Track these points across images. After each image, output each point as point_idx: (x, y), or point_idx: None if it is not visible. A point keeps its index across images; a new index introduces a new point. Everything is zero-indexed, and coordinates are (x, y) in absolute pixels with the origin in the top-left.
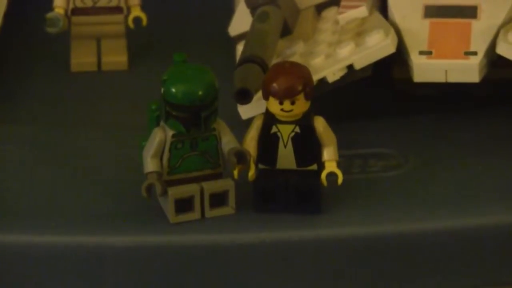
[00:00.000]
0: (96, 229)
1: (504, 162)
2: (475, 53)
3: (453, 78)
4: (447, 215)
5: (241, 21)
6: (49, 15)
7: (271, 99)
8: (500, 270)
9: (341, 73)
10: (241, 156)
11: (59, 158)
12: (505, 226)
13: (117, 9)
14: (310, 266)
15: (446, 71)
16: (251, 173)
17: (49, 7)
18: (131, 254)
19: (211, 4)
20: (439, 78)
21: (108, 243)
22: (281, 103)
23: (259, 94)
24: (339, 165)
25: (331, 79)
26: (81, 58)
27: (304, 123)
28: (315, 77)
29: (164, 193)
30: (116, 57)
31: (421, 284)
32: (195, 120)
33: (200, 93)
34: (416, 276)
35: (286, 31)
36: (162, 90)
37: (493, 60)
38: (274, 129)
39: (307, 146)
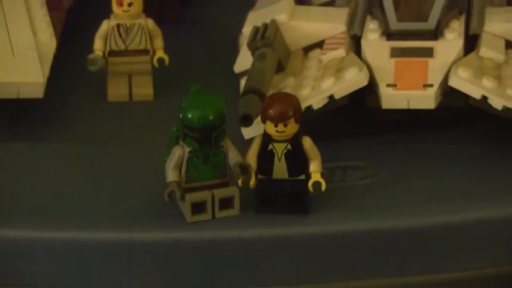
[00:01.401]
0: (126, 227)
1: (465, 169)
2: (431, 85)
3: (414, 105)
4: (414, 215)
5: (244, 61)
6: (90, 56)
7: (268, 122)
8: (455, 260)
9: (324, 102)
10: (244, 168)
11: (97, 169)
12: (466, 224)
13: (144, 52)
14: (300, 257)
15: (408, 100)
16: (252, 182)
17: (91, 49)
18: (155, 247)
19: (220, 48)
20: (402, 105)
21: (136, 238)
22: (276, 125)
23: (258, 118)
24: (323, 175)
25: (315, 106)
26: (116, 90)
27: (295, 141)
28: (303, 105)
29: (182, 198)
30: (144, 90)
31: (394, 272)
32: (207, 139)
33: (211, 117)
34: (390, 266)
35: (279, 68)
36: (181, 115)
37: (446, 90)
38: (270, 147)
39: (297, 160)
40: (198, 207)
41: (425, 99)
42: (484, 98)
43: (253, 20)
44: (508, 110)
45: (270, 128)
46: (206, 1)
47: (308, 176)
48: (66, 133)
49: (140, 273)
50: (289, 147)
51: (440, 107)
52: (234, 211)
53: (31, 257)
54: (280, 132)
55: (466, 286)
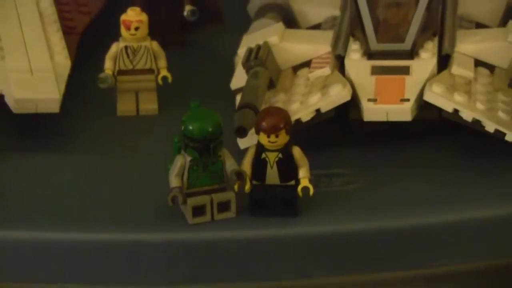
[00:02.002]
0: (133, 229)
1: (438, 175)
2: (408, 100)
3: (392, 118)
4: (391, 216)
5: (239, 79)
6: (101, 75)
7: (261, 133)
8: (430, 256)
9: (311, 115)
10: (239, 175)
11: (106, 175)
12: (438, 224)
13: (150, 71)
14: (290, 254)
15: (387, 113)
16: (247, 187)
17: (102, 69)
18: (160, 246)
19: (217, 67)
20: (382, 118)
21: (142, 239)
22: (268, 136)
23: (253, 130)
24: (310, 181)
25: (304, 119)
26: (124, 106)
27: (285, 151)
28: (293, 118)
29: (184, 202)
30: (150, 105)
31: (374, 267)
32: (206, 149)
33: (209, 129)
34: (370, 262)
35: (271, 85)
36: (182, 127)
37: (421, 104)
38: (263, 155)
39: (287, 167)
40: (198, 210)
41: (402, 112)
42: (456, 111)
43: (247, 42)
44: (477, 122)
45: (263, 139)
46: (204, 26)
47: (298, 182)
48: (79, 144)
49: (145, 270)
50: (280, 155)
51: (416, 119)
52: (231, 213)
53: (47, 254)
54: (272, 142)
55: (440, 280)
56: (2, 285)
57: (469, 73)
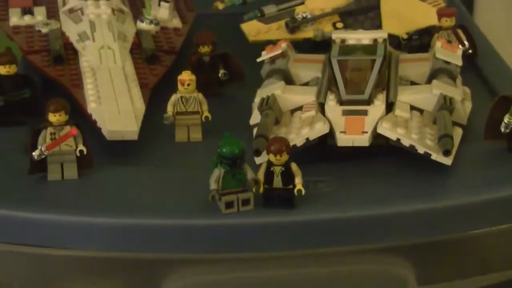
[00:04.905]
0: (185, 216)
1: (387, 180)
2: (366, 132)
3: (356, 144)
4: (358, 209)
5: (255, 118)
6: (165, 115)
7: (270, 154)
8: (383, 235)
9: (303, 142)
10: (256, 181)
11: (166, 182)
12: (384, 214)
13: (197, 112)
14: (290, 234)
15: (353, 141)
16: (261, 189)
17: (165, 111)
18: (203, 228)
19: (241, 110)
20: (349, 144)
21: (192, 223)
22: (275, 156)
23: (265, 151)
24: (303, 186)
25: (298, 145)
26: (180, 135)
27: (286, 165)
28: (291, 144)
29: (219, 199)
30: (196, 135)
31: (348, 242)
32: (234, 164)
33: (236, 151)
34: (345, 239)
35: (276, 122)
36: (218, 150)
37: (375, 135)
38: (271, 168)
39: (287, 176)
40: (229, 204)
41: (362, 140)
42: (398, 139)
43: (261, 94)
44: (412, 146)
45: (272, 157)
46: (232, 83)
47: (294, 186)
48: (150, 160)
49: (195, 243)
50: (283, 168)
51: (372, 145)
52: (250, 206)
53: (129, 233)
54: (278, 160)
55: (388, 251)
56: (103, 253)
57: (406, 114)
